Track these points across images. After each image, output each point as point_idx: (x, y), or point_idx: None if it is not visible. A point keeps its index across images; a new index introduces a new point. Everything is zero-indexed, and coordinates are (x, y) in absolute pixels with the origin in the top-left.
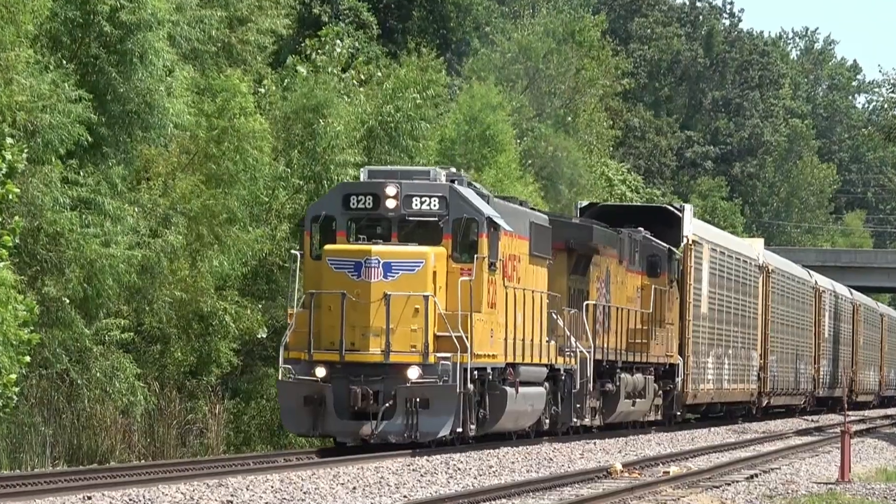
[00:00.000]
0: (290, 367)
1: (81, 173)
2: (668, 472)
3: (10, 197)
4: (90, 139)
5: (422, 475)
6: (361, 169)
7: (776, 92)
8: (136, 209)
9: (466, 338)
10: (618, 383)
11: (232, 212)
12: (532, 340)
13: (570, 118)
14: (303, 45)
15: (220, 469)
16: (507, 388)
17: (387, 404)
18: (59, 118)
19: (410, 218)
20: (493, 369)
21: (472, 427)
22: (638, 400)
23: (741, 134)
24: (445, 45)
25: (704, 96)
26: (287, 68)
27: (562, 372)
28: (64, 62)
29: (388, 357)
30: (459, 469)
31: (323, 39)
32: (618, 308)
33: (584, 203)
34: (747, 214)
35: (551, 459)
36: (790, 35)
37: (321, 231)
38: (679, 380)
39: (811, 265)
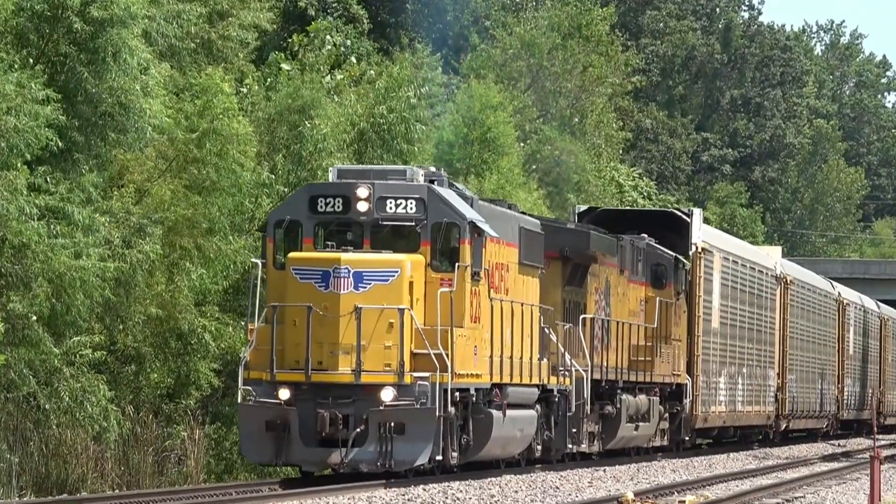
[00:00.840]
0: (250, 388)
1: (50, 180)
2: (684, 502)
3: None
4: (60, 144)
5: None
6: (330, 168)
7: (799, 90)
8: (107, 219)
9: (447, 356)
10: (619, 405)
11: (213, 221)
12: (521, 358)
13: (576, 119)
14: (289, 41)
15: (200, 499)
16: (493, 412)
17: (358, 430)
18: (24, 121)
19: (384, 222)
20: (477, 390)
21: (454, 455)
22: (641, 424)
23: (762, 136)
24: (442, 40)
25: (722, 95)
26: (270, 66)
27: (555, 393)
28: (31, 61)
29: (360, 377)
30: (459, 499)
31: (311, 35)
32: (618, 322)
33: (583, 207)
34: (768, 222)
35: (557, 488)
36: (814, 29)
37: (285, 237)
38: (687, 401)
39: (837, 277)
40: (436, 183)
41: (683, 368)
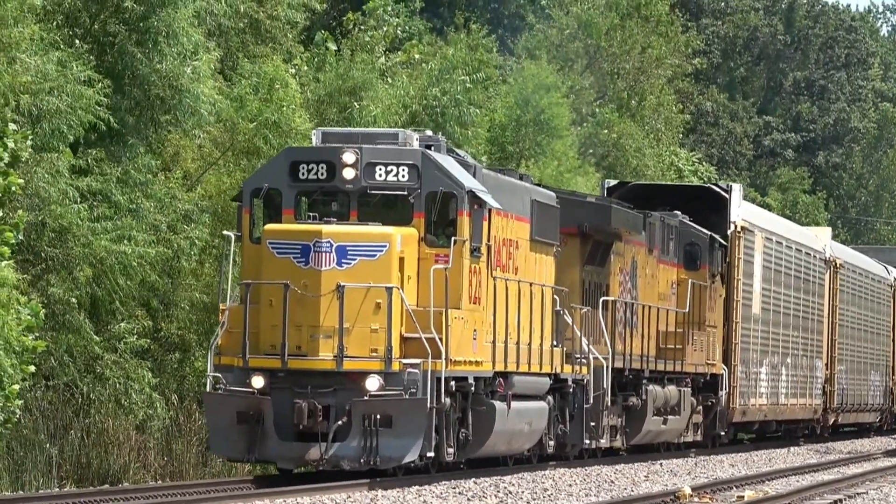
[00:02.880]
0: (220, 375)
1: (94, 163)
2: (743, 497)
3: (13, 189)
4: (108, 125)
5: (469, 499)
6: (313, 131)
7: (864, 73)
8: (153, 203)
9: (440, 340)
10: (644, 397)
11: None
12: (531, 344)
13: (634, 101)
14: (342, 19)
15: (245, 491)
16: (496, 403)
17: (339, 422)
18: (67, 101)
19: (373, 192)
20: (476, 379)
21: (450, 451)
22: (670, 417)
23: (825, 120)
24: (497, 20)
25: (785, 77)
26: (318, 46)
27: (570, 383)
28: (76, 41)
29: (342, 364)
30: (511, 492)
31: (367, 14)
32: (645, 306)
33: (613, 182)
34: (832, 209)
35: (613, 482)
36: (880, 9)
37: (264, 208)
38: (723, 393)
39: None
40: (433, 149)
41: (719, 357)
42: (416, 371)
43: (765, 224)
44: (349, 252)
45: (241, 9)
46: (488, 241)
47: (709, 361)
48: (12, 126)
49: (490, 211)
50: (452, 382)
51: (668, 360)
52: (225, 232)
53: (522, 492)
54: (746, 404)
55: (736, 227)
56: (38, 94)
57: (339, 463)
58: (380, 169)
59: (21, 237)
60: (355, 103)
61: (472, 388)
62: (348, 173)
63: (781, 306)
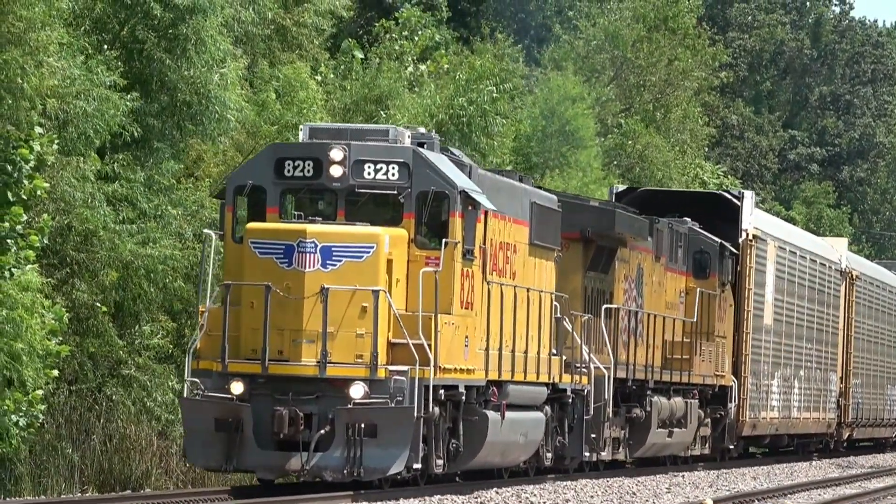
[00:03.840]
0: (197, 381)
1: (120, 169)
2: None
3: (39, 192)
4: (135, 132)
5: None
6: (301, 126)
7: (890, 88)
8: (180, 211)
9: (429, 346)
10: (648, 408)
11: None
12: (527, 352)
13: (660, 114)
14: (370, 27)
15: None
16: (489, 413)
17: (322, 431)
18: (94, 106)
19: (361, 190)
20: (468, 388)
21: (439, 462)
22: (676, 430)
23: (851, 134)
24: (524, 31)
25: (811, 92)
26: (344, 53)
27: (569, 393)
28: (104, 46)
29: (325, 370)
30: (532, 502)
31: (399, 23)
32: (651, 315)
33: (622, 187)
34: (856, 224)
35: (634, 493)
36: None
37: (249, 206)
38: (732, 405)
39: None
40: (425, 146)
41: (728, 369)
42: (403, 378)
43: (778, 233)
44: (334, 253)
45: (269, 16)
46: (483, 243)
47: (717, 373)
48: (38, 129)
49: (487, 213)
50: (442, 391)
51: (674, 371)
52: (205, 230)
53: (544, 502)
54: (757, 417)
55: (747, 235)
56: (65, 97)
57: (321, 474)
58: (369, 167)
59: (46, 241)
60: (381, 112)
61: (464, 398)
62: (335, 171)
63: (795, 317)
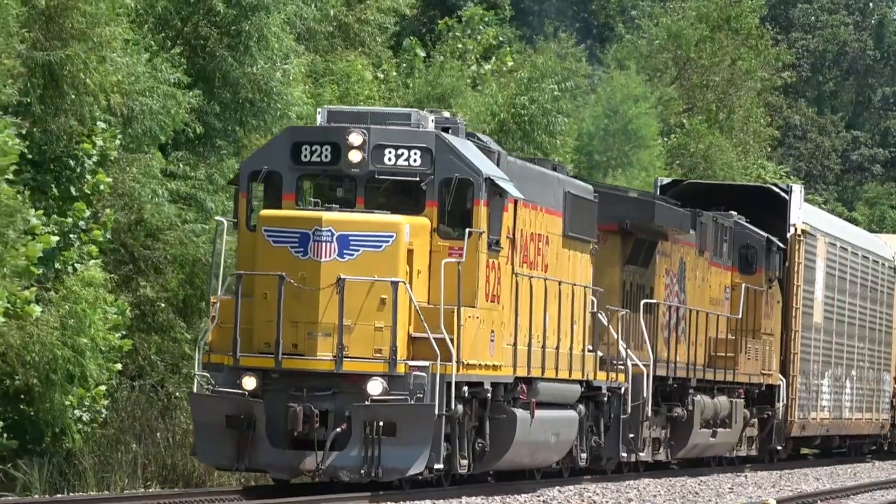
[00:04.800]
0: (208, 375)
1: (184, 166)
2: None
3: (102, 188)
4: (198, 129)
5: None
6: (319, 109)
7: None
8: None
9: (451, 341)
10: (690, 407)
11: None
12: (559, 348)
13: (723, 114)
14: (433, 25)
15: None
16: (518, 411)
17: (338, 429)
18: (160, 103)
19: (381, 177)
20: (495, 385)
21: (463, 462)
22: (720, 430)
23: None
24: (586, 30)
25: (873, 92)
26: (405, 51)
27: (604, 391)
28: (168, 42)
29: (342, 365)
30: (595, 501)
31: (464, 21)
32: (693, 311)
33: (667, 180)
34: None
35: (697, 493)
36: None
37: (265, 193)
38: (780, 405)
39: None
40: (450, 131)
41: (776, 367)
42: (424, 374)
43: (828, 228)
44: (352, 242)
45: (331, 13)
46: (511, 234)
47: (764, 371)
48: (101, 125)
49: (518, 203)
50: (465, 388)
51: (717, 369)
52: (217, 217)
53: (606, 501)
54: (806, 418)
55: (796, 229)
56: (130, 94)
57: (337, 474)
58: (389, 152)
59: (109, 236)
60: (444, 111)
61: (490, 395)
62: (354, 156)
63: (846, 315)
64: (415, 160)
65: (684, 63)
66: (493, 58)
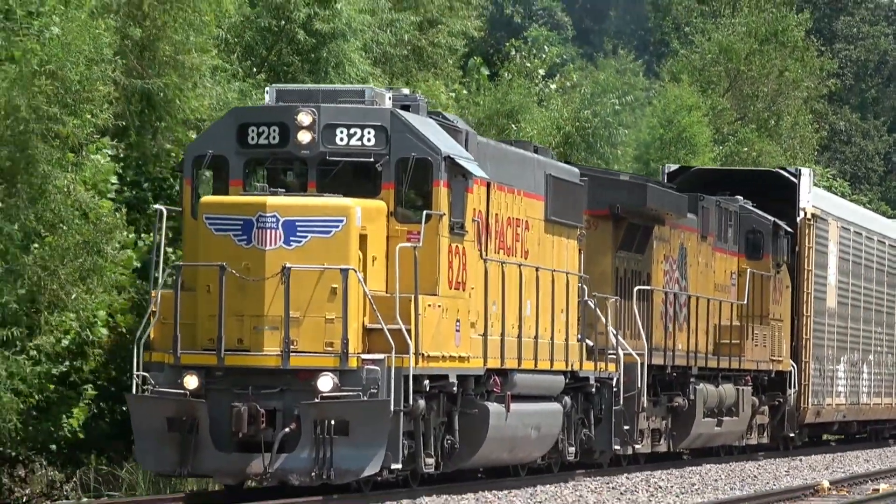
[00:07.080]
0: (147, 375)
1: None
2: (878, 490)
3: None
4: None
5: (622, 493)
6: (267, 88)
7: None
8: None
9: (409, 332)
10: (692, 396)
11: None
12: (538, 338)
13: (772, 122)
14: (501, 46)
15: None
16: (491, 405)
17: (287, 429)
18: None
19: (333, 158)
20: (463, 378)
21: (430, 461)
22: (726, 418)
23: None
24: (643, 46)
25: None
26: (470, 71)
27: (592, 382)
28: (254, 69)
29: (289, 360)
30: (661, 487)
31: (529, 41)
32: (693, 297)
33: (674, 167)
34: None
35: (755, 477)
36: None
37: (213, 179)
38: (792, 392)
39: None
40: (409, 109)
41: (787, 353)
42: (378, 368)
43: (840, 212)
44: (299, 228)
45: (405, 38)
46: (484, 218)
47: (774, 358)
48: None
49: (492, 186)
50: (426, 381)
51: (722, 357)
52: (156, 206)
53: (671, 486)
54: (821, 404)
55: (806, 214)
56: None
57: (286, 477)
58: (341, 131)
59: None
60: (513, 125)
61: (457, 389)
62: (304, 137)
63: (862, 300)
64: (369, 140)
65: (735, 75)
66: (558, 75)
